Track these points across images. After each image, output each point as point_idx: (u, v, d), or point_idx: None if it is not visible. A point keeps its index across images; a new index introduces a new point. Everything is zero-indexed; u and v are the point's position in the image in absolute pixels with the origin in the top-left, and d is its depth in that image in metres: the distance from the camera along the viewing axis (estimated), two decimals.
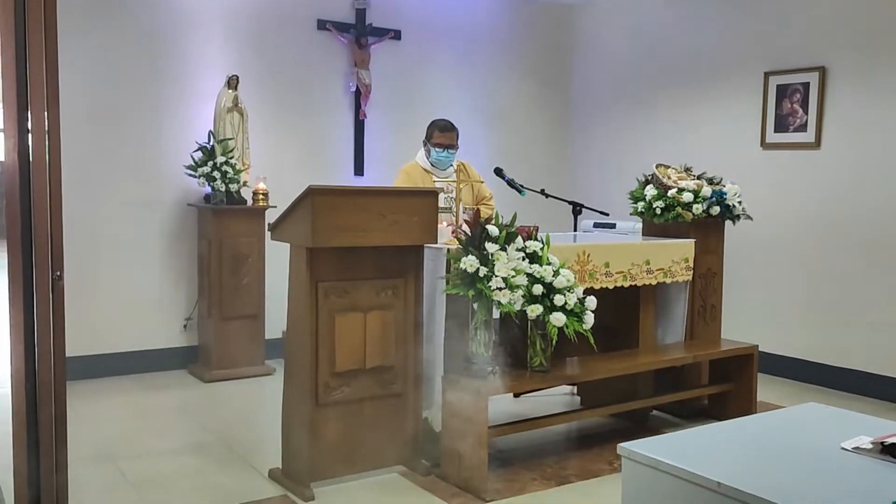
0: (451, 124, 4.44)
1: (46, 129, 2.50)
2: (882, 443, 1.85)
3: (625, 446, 1.79)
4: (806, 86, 5.30)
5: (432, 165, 4.36)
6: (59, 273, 2.56)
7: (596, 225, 5.22)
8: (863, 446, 1.85)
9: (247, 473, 3.66)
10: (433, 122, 4.44)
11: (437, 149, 4.34)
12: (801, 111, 5.35)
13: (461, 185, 4.03)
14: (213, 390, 5.05)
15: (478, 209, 3.70)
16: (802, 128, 5.34)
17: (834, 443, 1.87)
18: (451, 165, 4.40)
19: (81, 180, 5.03)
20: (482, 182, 4.54)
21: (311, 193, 3.21)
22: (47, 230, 2.52)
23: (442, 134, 4.35)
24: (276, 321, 5.22)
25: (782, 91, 5.44)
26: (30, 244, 2.50)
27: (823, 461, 1.79)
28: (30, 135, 2.47)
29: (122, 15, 5.20)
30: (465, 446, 3.43)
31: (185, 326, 5.49)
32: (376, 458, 3.57)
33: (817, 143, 5.27)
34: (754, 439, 1.93)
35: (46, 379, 2.54)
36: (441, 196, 4.39)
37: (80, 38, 5.01)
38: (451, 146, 4.35)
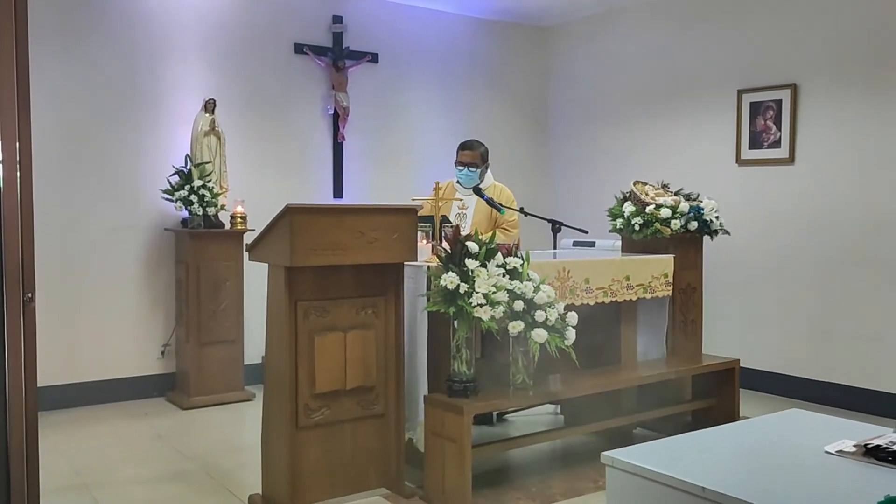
0: (471, 143, 4.67)
1: (18, 158, 2.46)
2: (865, 445, 1.84)
3: (609, 454, 1.77)
4: (778, 103, 5.39)
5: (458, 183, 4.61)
6: (30, 295, 2.50)
7: (575, 244, 5.23)
8: (846, 449, 1.85)
9: (226, 500, 3.58)
10: (460, 143, 4.70)
11: (457, 167, 4.59)
12: (774, 128, 5.43)
13: (440, 204, 4.02)
14: (191, 417, 4.96)
15: (457, 226, 3.69)
16: (776, 144, 5.42)
17: (817, 447, 1.86)
18: (477, 183, 4.58)
19: (56, 205, 4.97)
20: (501, 206, 4.60)
21: (289, 212, 3.19)
22: (18, 251, 2.47)
23: (461, 152, 4.63)
24: (255, 346, 5.17)
25: (755, 108, 5.52)
26: (0, 265, 2.45)
27: (807, 465, 1.78)
28: (0, 165, 2.43)
29: (98, 40, 5.18)
30: (448, 467, 3.39)
31: (162, 353, 5.41)
32: (359, 481, 3.51)
33: (791, 159, 5.34)
34: (738, 445, 1.92)
35: (17, 403, 2.47)
36: (454, 211, 4.48)
37: (55, 62, 4.99)
38: (470, 164, 4.57)
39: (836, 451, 1.84)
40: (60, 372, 4.97)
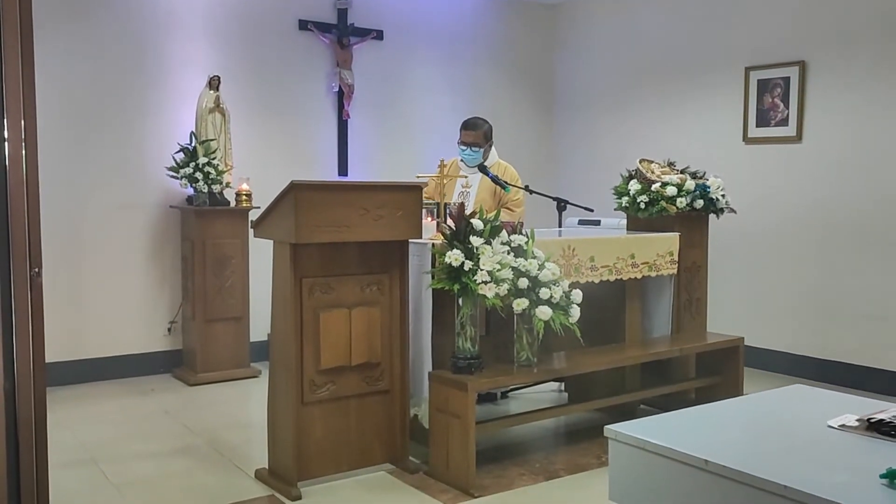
0: (474, 121, 4.60)
1: (23, 137, 2.46)
2: (868, 420, 1.85)
3: (612, 428, 1.78)
4: (786, 80, 5.34)
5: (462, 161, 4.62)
6: (37, 270, 2.51)
7: (581, 222, 5.22)
8: (849, 424, 1.85)
9: (233, 474, 3.62)
10: (462, 121, 4.66)
11: (460, 147, 4.55)
12: (781, 105, 5.39)
13: (444, 181, 4.01)
14: (198, 393, 5.00)
15: (461, 203, 3.68)
16: (784, 122, 5.38)
17: (820, 421, 1.87)
18: (480, 162, 4.55)
19: (62, 183, 4.98)
20: (508, 185, 4.53)
21: (294, 188, 3.19)
22: (24, 227, 2.48)
23: (463, 132, 4.57)
24: (260, 323, 5.19)
25: (763, 86, 5.48)
26: (6, 241, 2.46)
27: (810, 439, 1.78)
28: (6, 143, 2.43)
29: (102, 16, 5.16)
30: (452, 443, 3.41)
31: (169, 330, 5.44)
32: (364, 456, 3.54)
33: (799, 137, 5.31)
34: (741, 419, 1.93)
35: (25, 378, 2.49)
36: (458, 189, 4.45)
37: (60, 39, 4.97)
38: (472, 144, 4.53)
39: (839, 426, 1.85)
40: (67, 348, 5.01)
